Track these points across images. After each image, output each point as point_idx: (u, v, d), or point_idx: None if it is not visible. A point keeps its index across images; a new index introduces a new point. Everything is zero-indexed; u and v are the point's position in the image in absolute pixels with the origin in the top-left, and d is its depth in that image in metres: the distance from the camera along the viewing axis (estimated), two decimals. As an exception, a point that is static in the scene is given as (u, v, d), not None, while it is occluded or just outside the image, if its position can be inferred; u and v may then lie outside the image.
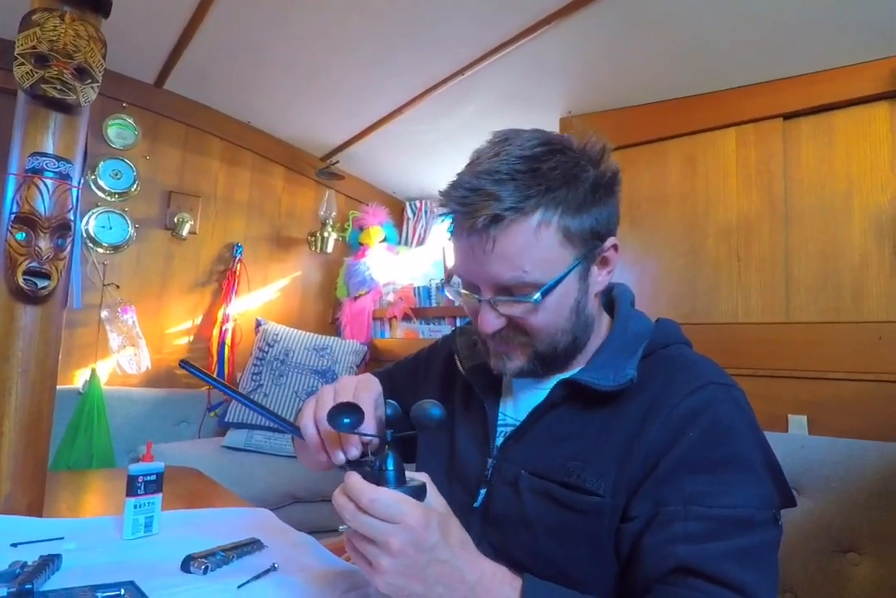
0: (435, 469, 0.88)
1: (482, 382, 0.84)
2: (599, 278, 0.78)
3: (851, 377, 1.41)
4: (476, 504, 0.80)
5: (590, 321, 0.78)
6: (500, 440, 0.81)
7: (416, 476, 0.63)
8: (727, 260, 1.73)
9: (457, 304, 2.48)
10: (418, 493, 0.60)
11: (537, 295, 0.70)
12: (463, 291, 0.77)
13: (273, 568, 0.82)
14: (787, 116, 1.66)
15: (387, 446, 0.62)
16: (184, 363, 0.69)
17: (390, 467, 0.60)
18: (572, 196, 0.70)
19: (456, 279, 0.79)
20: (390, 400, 0.72)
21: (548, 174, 0.69)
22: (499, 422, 0.83)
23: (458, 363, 0.88)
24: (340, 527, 0.61)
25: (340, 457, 0.69)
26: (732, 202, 1.74)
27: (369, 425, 0.69)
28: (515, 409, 0.83)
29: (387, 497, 0.57)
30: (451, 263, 2.73)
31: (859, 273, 1.51)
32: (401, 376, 1.05)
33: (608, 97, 2.00)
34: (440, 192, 0.74)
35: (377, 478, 0.59)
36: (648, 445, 0.69)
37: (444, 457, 0.88)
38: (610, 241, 0.76)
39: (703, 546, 0.63)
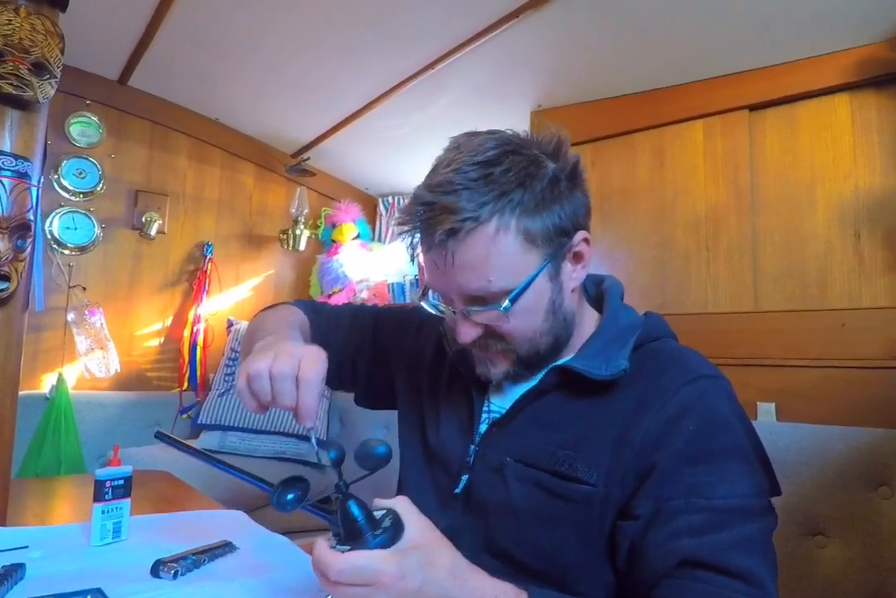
0: (415, 451, 0.89)
1: (471, 367, 0.83)
2: (574, 274, 0.76)
3: (817, 364, 1.44)
4: (457, 490, 0.80)
5: (569, 318, 0.77)
6: (484, 427, 0.81)
7: (389, 503, 0.61)
8: (696, 251, 1.75)
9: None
10: (393, 535, 0.58)
11: (506, 303, 0.69)
12: (438, 304, 0.76)
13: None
14: (753, 108, 1.68)
15: (343, 497, 0.60)
16: (159, 435, 0.69)
17: (358, 517, 0.58)
18: (529, 196, 0.68)
19: (432, 293, 0.78)
20: (334, 442, 0.66)
21: (500, 178, 0.67)
22: (484, 408, 0.83)
23: (447, 347, 0.86)
24: (326, 597, 0.60)
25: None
26: (700, 194, 1.76)
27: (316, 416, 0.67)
28: (503, 397, 0.83)
29: (353, 564, 0.55)
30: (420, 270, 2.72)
31: (824, 261, 1.54)
32: (390, 321, 1.03)
33: (578, 90, 2.01)
34: (399, 209, 0.73)
35: (348, 532, 0.58)
36: (643, 436, 0.69)
37: (425, 440, 0.88)
38: (579, 235, 0.74)
39: (708, 538, 0.64)
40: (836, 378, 1.40)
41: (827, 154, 1.56)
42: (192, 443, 2.39)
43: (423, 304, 0.78)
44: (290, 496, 0.60)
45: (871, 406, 1.34)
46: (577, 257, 0.76)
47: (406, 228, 0.71)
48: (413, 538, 0.58)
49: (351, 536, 0.58)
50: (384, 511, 0.60)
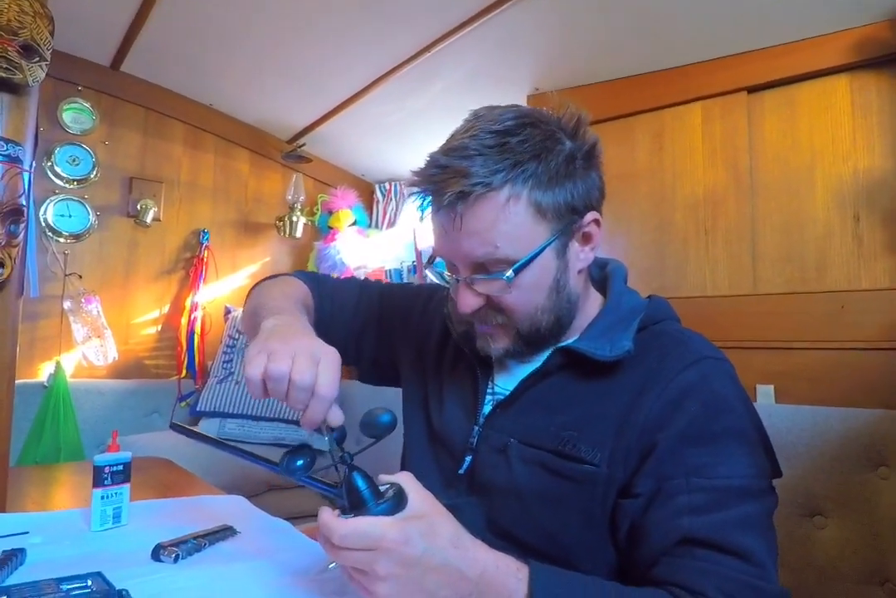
0: (419, 432, 0.89)
1: (474, 345, 0.82)
2: (581, 255, 0.76)
3: (816, 346, 1.44)
4: (461, 471, 0.80)
5: (573, 300, 0.77)
6: (488, 408, 0.81)
7: (394, 479, 0.61)
8: (695, 234, 1.74)
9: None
10: (397, 504, 0.58)
11: (510, 272, 0.69)
12: (444, 272, 0.77)
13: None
14: (752, 90, 1.67)
15: (347, 468, 0.60)
16: (174, 426, 0.69)
17: (361, 486, 0.59)
18: (543, 169, 0.69)
19: (439, 261, 0.78)
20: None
21: (516, 148, 0.68)
22: (489, 390, 0.83)
23: (451, 328, 0.86)
24: (330, 566, 0.60)
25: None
26: (699, 177, 1.75)
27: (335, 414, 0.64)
28: (507, 378, 0.83)
29: (356, 528, 0.55)
30: (421, 245, 2.71)
31: (822, 244, 1.53)
32: (395, 300, 1.03)
33: (576, 73, 1.99)
34: (412, 171, 0.73)
35: (352, 502, 0.58)
36: (646, 417, 0.70)
37: (429, 421, 0.88)
38: (590, 216, 0.74)
39: (708, 517, 0.64)
40: (835, 360, 1.41)
41: (826, 136, 1.54)
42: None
43: (428, 271, 0.80)
44: (299, 463, 0.61)
45: (870, 388, 1.35)
46: (587, 238, 0.76)
47: (418, 189, 0.72)
48: (416, 509, 0.59)
49: (355, 505, 0.58)
50: (388, 485, 0.60)
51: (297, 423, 2.46)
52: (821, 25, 1.51)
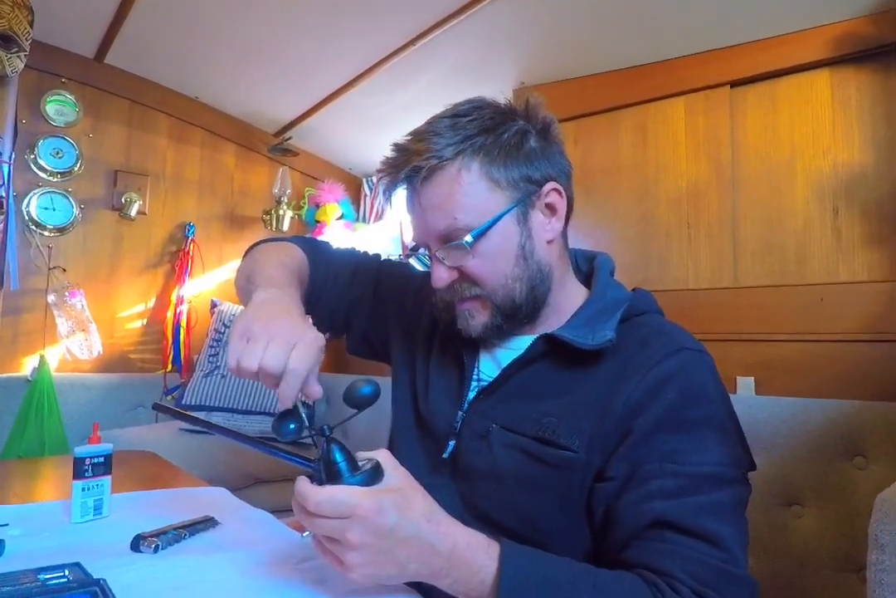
0: (406, 416, 0.90)
1: (461, 336, 0.84)
2: (548, 226, 0.79)
3: (795, 339, 1.45)
4: (445, 455, 0.82)
5: (545, 270, 0.79)
6: (472, 394, 0.83)
7: (373, 455, 0.62)
8: (678, 228, 1.75)
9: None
10: (373, 477, 0.59)
11: (468, 237, 0.73)
12: (423, 258, 0.81)
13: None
14: (735, 84, 1.68)
15: (326, 440, 0.60)
16: (157, 406, 0.71)
17: (338, 459, 0.59)
18: (492, 141, 0.74)
19: (423, 251, 0.82)
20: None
21: (466, 125, 0.74)
22: (474, 376, 0.84)
23: (439, 317, 0.88)
24: (303, 534, 0.61)
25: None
26: (682, 170, 1.76)
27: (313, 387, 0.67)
28: (492, 366, 0.84)
29: (331, 496, 0.56)
30: (408, 238, 2.71)
31: (802, 237, 1.54)
32: (393, 275, 1.05)
33: (561, 67, 1.99)
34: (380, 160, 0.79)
35: (329, 473, 0.59)
36: (624, 405, 0.71)
37: (416, 405, 0.89)
38: (549, 186, 0.78)
39: (679, 501, 0.65)
40: (814, 352, 1.42)
41: (806, 130, 1.56)
42: (178, 423, 2.39)
43: (411, 260, 0.84)
44: (292, 426, 0.62)
45: (848, 379, 1.36)
46: (551, 209, 0.79)
47: (382, 174, 0.78)
48: (391, 483, 0.59)
49: (331, 477, 0.59)
50: (366, 460, 0.61)
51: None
52: (803, 20, 1.52)
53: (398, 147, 0.77)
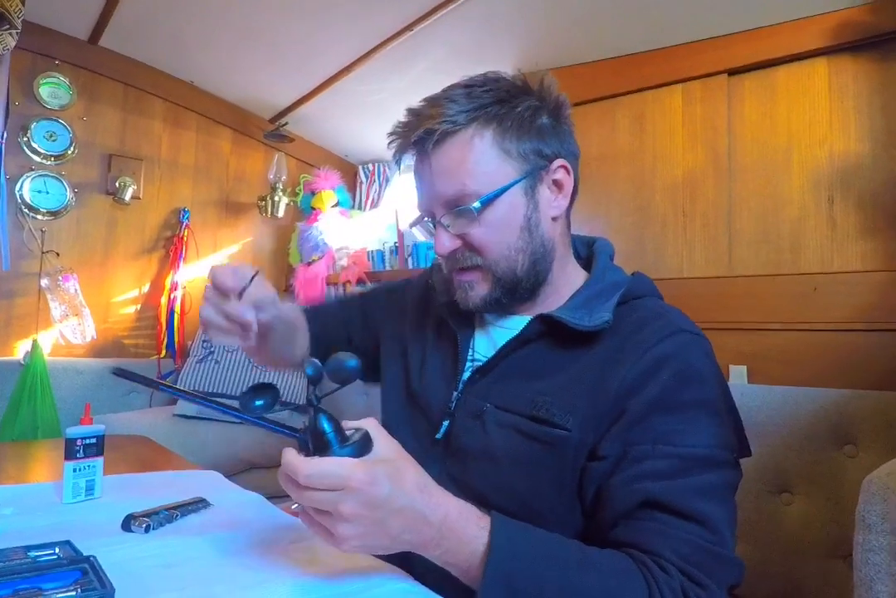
0: (398, 398, 0.90)
1: (457, 316, 0.85)
2: (554, 203, 0.80)
3: (788, 328, 1.46)
4: (438, 436, 0.81)
5: (548, 246, 0.79)
6: (467, 374, 0.82)
7: (360, 424, 0.61)
8: (673, 216, 1.75)
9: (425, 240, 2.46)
10: (362, 447, 0.58)
11: (476, 203, 0.73)
12: (428, 224, 0.81)
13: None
14: (732, 72, 1.67)
15: (313, 410, 0.59)
16: (117, 371, 0.63)
17: (327, 429, 0.57)
18: (506, 112, 0.74)
19: (428, 222, 0.82)
20: (312, 358, 0.64)
21: (482, 94, 0.74)
22: (469, 357, 0.84)
23: (436, 297, 0.88)
24: (293, 507, 0.60)
25: (247, 315, 0.75)
26: (679, 159, 1.75)
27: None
28: (487, 346, 0.84)
29: (322, 468, 0.55)
30: (403, 226, 2.69)
31: (797, 226, 1.54)
32: (375, 290, 1.10)
33: (558, 54, 1.98)
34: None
35: (317, 444, 0.57)
36: (620, 385, 0.71)
37: (408, 387, 0.89)
38: (558, 162, 0.78)
39: (670, 482, 0.65)
40: (807, 341, 1.43)
41: (803, 119, 1.55)
42: (171, 408, 2.39)
43: (415, 229, 0.86)
44: (259, 402, 0.60)
45: (840, 368, 1.37)
46: (558, 186, 0.80)
47: (393, 137, 0.78)
48: (381, 453, 0.59)
49: (319, 448, 0.57)
50: (354, 430, 0.60)
51: (280, 403, 2.46)
52: (802, 8, 1.51)
53: (412, 111, 0.77)
